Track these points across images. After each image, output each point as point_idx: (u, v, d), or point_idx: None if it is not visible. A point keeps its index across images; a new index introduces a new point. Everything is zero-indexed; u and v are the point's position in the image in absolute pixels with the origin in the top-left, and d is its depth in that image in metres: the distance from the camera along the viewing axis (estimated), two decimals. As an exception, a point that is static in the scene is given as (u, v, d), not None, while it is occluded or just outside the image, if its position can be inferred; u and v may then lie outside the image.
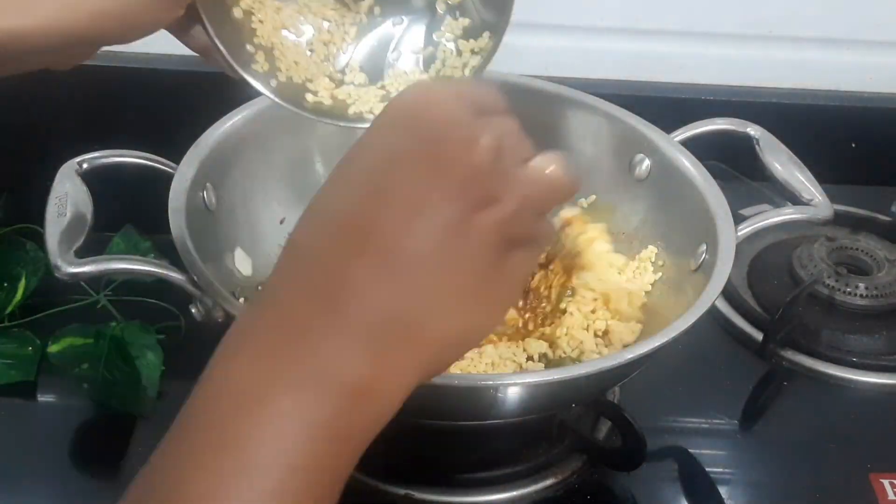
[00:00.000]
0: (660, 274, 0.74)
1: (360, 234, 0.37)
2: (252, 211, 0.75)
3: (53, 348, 0.75)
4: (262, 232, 0.75)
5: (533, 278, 0.73)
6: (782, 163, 0.74)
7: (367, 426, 0.38)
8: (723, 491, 0.70)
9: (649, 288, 0.74)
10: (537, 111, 0.79)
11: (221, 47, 0.56)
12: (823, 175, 0.74)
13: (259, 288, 0.74)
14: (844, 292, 0.82)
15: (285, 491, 0.34)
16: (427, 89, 0.39)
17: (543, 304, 0.73)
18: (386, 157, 0.38)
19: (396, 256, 0.36)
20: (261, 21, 0.59)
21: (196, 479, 0.34)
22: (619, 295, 0.72)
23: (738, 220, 0.69)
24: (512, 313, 0.72)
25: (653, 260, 0.75)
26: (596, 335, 0.72)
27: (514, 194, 0.38)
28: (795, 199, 0.72)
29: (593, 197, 0.79)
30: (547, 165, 0.40)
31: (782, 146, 0.75)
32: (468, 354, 0.70)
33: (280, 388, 0.35)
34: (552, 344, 0.71)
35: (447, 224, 0.37)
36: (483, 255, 0.38)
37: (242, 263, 0.72)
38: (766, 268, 0.87)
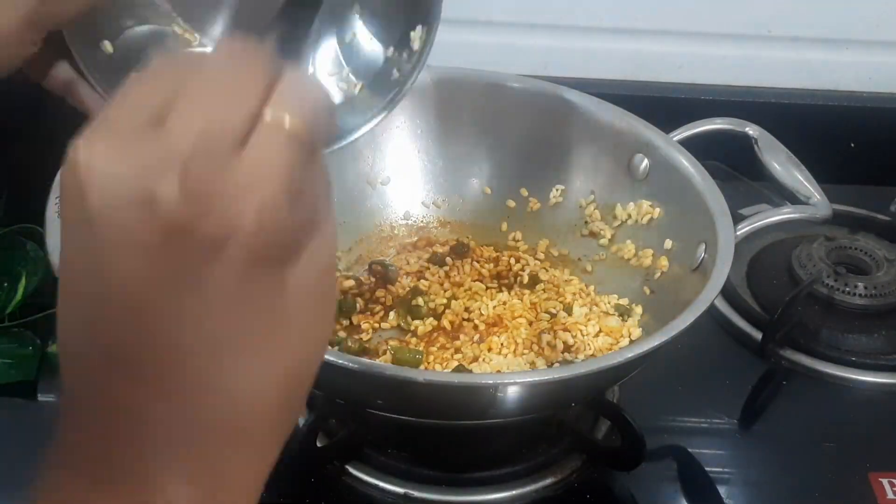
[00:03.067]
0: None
1: (109, 363, 0.31)
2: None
3: (53, 348, 0.75)
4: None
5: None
6: (781, 162, 0.74)
7: None
8: (722, 490, 0.70)
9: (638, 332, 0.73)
10: (537, 111, 0.80)
11: (94, 83, 0.54)
12: (822, 175, 0.74)
13: None
14: (843, 292, 0.82)
15: None
16: (79, 158, 0.30)
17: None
18: (80, 260, 0.31)
19: (156, 368, 0.31)
20: None
21: None
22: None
23: (737, 219, 0.69)
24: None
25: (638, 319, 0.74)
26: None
27: (238, 217, 0.29)
28: (794, 199, 0.72)
29: (592, 196, 0.79)
30: (272, 133, 0.30)
31: (781, 146, 0.75)
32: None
33: None
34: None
35: (185, 299, 0.30)
36: (249, 298, 0.31)
37: None
38: (765, 267, 0.87)
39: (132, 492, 0.31)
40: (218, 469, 0.32)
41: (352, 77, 0.62)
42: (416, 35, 0.59)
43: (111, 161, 0.29)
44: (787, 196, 0.73)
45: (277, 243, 0.31)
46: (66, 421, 0.33)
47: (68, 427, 0.33)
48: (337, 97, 0.61)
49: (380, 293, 0.75)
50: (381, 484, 0.66)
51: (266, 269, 0.31)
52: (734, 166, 0.87)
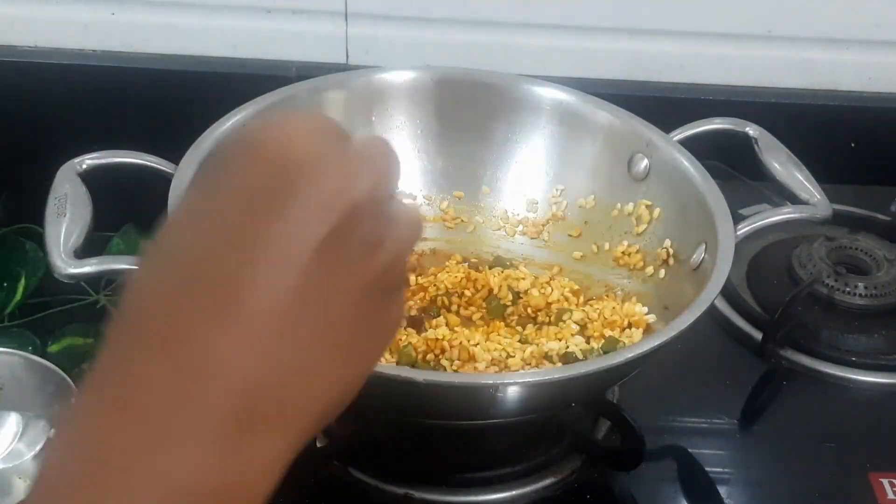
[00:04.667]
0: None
1: (211, 293, 0.31)
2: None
3: (53, 348, 0.75)
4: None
5: None
6: (781, 162, 0.74)
7: None
8: (722, 490, 0.70)
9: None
10: (537, 111, 0.80)
11: None
12: (822, 175, 0.74)
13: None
14: (844, 292, 0.82)
15: None
16: (285, 122, 0.34)
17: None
18: (244, 199, 0.32)
19: (256, 320, 0.31)
20: None
21: None
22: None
23: (737, 219, 0.69)
24: None
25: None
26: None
27: (394, 238, 0.35)
28: (794, 199, 0.72)
29: (592, 197, 0.79)
30: (410, 207, 0.37)
31: (781, 146, 0.75)
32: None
33: (111, 495, 0.30)
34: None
35: (321, 276, 0.32)
36: (362, 306, 0.34)
37: None
38: (765, 267, 0.87)
39: (152, 454, 0.31)
40: (250, 453, 0.32)
41: None
42: None
43: (325, 132, 0.34)
44: (787, 196, 0.73)
45: (399, 274, 0.36)
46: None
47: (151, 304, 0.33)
48: None
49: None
50: (381, 484, 0.66)
51: (381, 290, 0.35)
52: (734, 166, 0.87)
